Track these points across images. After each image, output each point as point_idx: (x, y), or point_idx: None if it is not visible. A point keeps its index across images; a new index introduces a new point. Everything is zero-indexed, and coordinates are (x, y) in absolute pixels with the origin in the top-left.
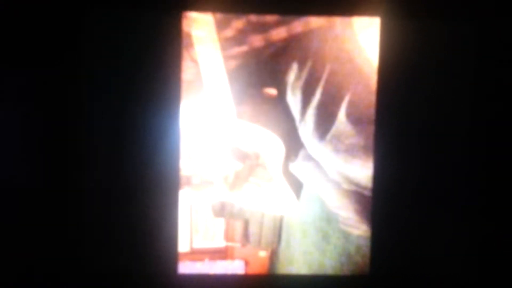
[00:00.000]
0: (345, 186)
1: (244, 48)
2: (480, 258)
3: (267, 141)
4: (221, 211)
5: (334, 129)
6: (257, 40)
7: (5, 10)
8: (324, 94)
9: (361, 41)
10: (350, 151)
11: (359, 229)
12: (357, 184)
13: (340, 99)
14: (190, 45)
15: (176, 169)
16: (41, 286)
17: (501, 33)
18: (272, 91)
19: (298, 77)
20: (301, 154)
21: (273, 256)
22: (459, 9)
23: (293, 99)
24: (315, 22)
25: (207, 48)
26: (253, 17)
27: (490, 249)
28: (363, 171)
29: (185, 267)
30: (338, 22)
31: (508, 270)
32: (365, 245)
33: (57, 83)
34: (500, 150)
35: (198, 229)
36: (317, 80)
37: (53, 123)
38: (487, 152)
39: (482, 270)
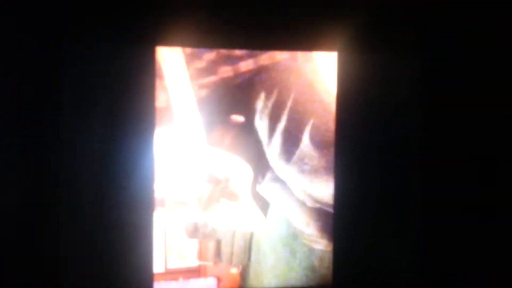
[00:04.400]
0: (310, 204)
1: (214, 78)
2: (434, 267)
3: (236, 166)
4: (194, 232)
5: (299, 152)
6: (226, 71)
7: None
8: (289, 120)
9: (321, 72)
10: (314, 171)
11: (320, 244)
12: (320, 202)
13: (304, 124)
14: (162, 75)
15: (150, 191)
16: None
17: (446, 64)
18: (240, 118)
19: (265, 105)
20: (268, 175)
21: (244, 272)
22: (407, 43)
23: (261, 125)
24: (279, 55)
25: (176, 79)
26: (223, 50)
27: (445, 259)
28: (326, 189)
29: (160, 287)
30: (300, 56)
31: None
32: (328, 258)
33: (38, 109)
34: (448, 169)
35: (172, 250)
36: (283, 108)
37: (32, 146)
38: (436, 171)
39: (437, 278)
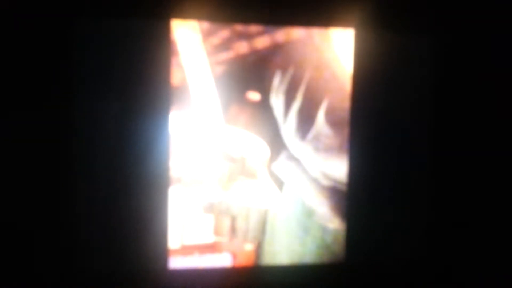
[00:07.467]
0: (324, 182)
1: (230, 55)
2: (444, 246)
3: (253, 143)
4: (210, 208)
5: (314, 130)
6: (242, 48)
7: None
8: (305, 98)
9: (337, 50)
10: (328, 150)
11: (333, 223)
12: (334, 180)
13: (319, 103)
14: (178, 52)
15: (166, 169)
16: (34, 286)
17: (463, 44)
18: (256, 96)
19: (281, 83)
20: (284, 153)
21: (259, 248)
22: (424, 23)
23: (277, 103)
24: (296, 33)
25: (193, 55)
26: (239, 26)
27: (454, 239)
28: (340, 168)
29: (176, 262)
30: (317, 33)
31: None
32: (341, 236)
33: (50, 89)
34: (461, 149)
35: (188, 226)
36: (298, 86)
37: (46, 125)
38: (448, 151)
39: (446, 258)
